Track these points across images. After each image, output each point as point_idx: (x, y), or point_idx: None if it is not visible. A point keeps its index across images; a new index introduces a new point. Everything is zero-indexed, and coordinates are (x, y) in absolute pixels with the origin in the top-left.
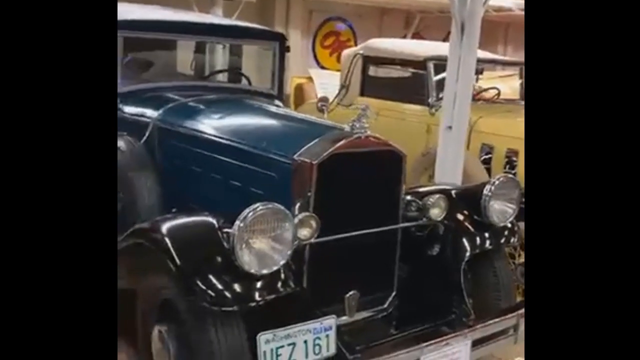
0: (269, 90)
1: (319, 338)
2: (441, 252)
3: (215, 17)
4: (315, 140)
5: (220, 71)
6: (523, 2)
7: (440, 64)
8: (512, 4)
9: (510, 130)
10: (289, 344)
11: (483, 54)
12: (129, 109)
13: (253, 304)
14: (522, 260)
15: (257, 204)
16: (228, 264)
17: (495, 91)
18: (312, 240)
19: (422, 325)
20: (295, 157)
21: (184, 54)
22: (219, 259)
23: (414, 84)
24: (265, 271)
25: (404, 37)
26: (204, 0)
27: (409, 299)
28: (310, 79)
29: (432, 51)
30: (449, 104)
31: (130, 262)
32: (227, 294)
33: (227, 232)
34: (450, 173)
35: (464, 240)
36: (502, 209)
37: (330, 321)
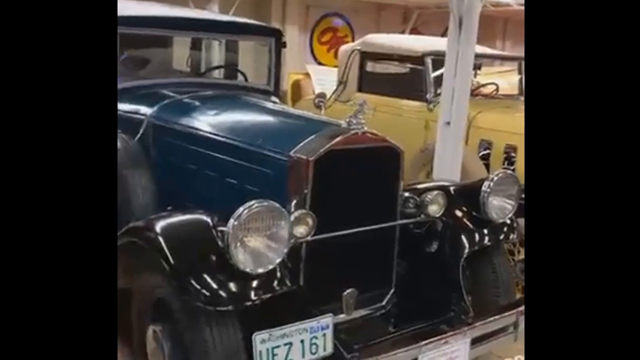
0: (265, 87)
1: (315, 337)
2: (440, 249)
3: (211, 13)
4: (312, 137)
5: (216, 67)
6: None
7: (439, 59)
8: None
9: (508, 126)
10: (286, 344)
11: (481, 49)
12: (124, 106)
13: (248, 303)
14: (522, 256)
15: (252, 202)
16: (222, 263)
17: (494, 87)
18: (309, 238)
19: (420, 323)
20: (291, 153)
21: (180, 51)
22: (214, 257)
23: (412, 80)
24: (260, 270)
25: (402, 32)
26: None
27: (408, 296)
28: (307, 75)
29: (430, 46)
30: (447, 100)
31: (124, 261)
32: (222, 294)
33: (221, 231)
34: (448, 169)
35: (463, 237)
36: (501, 205)
37: (327, 320)
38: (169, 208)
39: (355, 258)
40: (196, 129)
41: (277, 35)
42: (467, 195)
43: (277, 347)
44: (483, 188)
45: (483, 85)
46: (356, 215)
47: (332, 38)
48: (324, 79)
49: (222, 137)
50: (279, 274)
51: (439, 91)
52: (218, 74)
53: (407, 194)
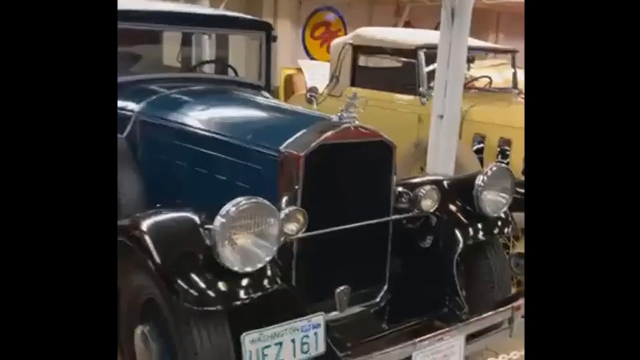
0: (256, 82)
1: (307, 336)
2: (434, 244)
3: (201, 7)
4: (302, 132)
5: (206, 62)
6: None
7: (431, 52)
8: None
9: (502, 119)
10: (276, 344)
11: (474, 42)
12: None
13: (238, 303)
14: (517, 250)
15: (240, 199)
16: (211, 262)
17: (487, 80)
18: (300, 235)
19: (415, 319)
20: (281, 149)
21: (171, 47)
22: (202, 256)
23: (405, 74)
24: (249, 269)
25: (394, 26)
26: None
27: (402, 292)
28: (300, 70)
29: (423, 40)
30: (440, 93)
31: None
32: (210, 293)
33: (208, 229)
34: (442, 163)
35: (457, 231)
36: (495, 200)
37: (319, 318)
38: (157, 206)
39: (348, 254)
40: (185, 124)
41: (267, 29)
42: (461, 190)
43: (268, 347)
44: (477, 182)
45: (476, 79)
46: (348, 211)
47: (325, 32)
48: (316, 74)
49: (212, 132)
50: (269, 273)
51: (432, 85)
52: (209, 69)
53: (400, 189)
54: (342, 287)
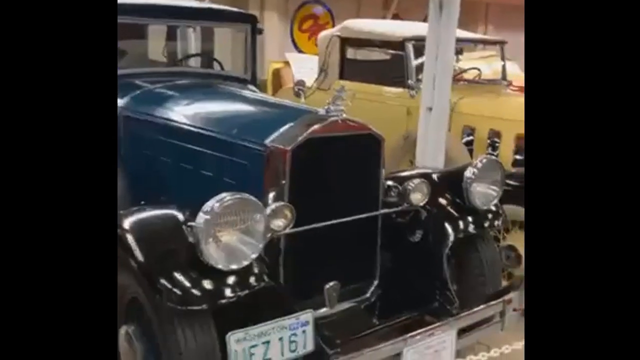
0: (242, 75)
1: (295, 334)
2: (424, 238)
3: (186, 0)
4: (289, 125)
5: (191, 55)
6: None
7: (420, 44)
8: None
9: (492, 111)
10: (263, 342)
11: (463, 34)
12: None
13: (223, 302)
14: (507, 243)
15: (224, 194)
16: (195, 260)
17: (476, 72)
18: (287, 230)
19: (405, 315)
20: (267, 143)
21: (156, 41)
22: (185, 255)
23: (394, 66)
24: (234, 266)
25: (383, 19)
26: None
27: (392, 287)
28: (287, 63)
29: (411, 31)
30: (429, 85)
31: None
32: (195, 292)
33: (191, 226)
34: (431, 156)
35: (447, 225)
36: (485, 192)
37: (307, 316)
38: (142, 203)
39: (337, 250)
40: (169, 119)
41: (252, 22)
42: (451, 183)
43: (254, 346)
44: (467, 175)
45: (465, 71)
46: (336, 205)
47: (313, 25)
48: (304, 67)
49: (197, 127)
50: (255, 270)
51: (420, 77)
52: (195, 63)
53: (389, 183)
54: (331, 283)
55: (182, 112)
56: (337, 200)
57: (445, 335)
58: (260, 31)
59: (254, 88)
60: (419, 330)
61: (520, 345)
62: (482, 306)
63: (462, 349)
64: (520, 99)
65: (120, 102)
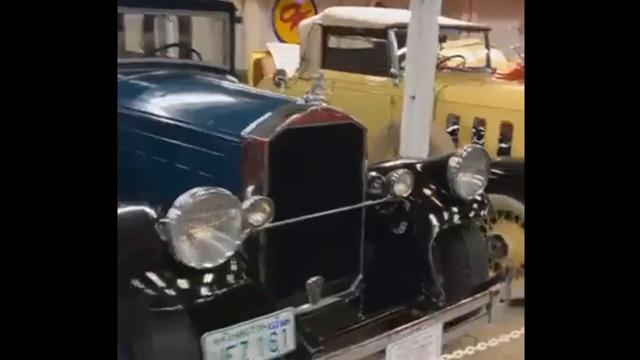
0: (221, 65)
1: (275, 334)
2: (408, 229)
3: None
4: (267, 116)
5: (168, 46)
6: None
7: (403, 32)
8: None
9: (476, 99)
10: (242, 343)
11: (446, 21)
12: None
13: (199, 301)
14: (494, 232)
15: (198, 189)
16: (167, 259)
17: (460, 60)
18: (267, 225)
19: (391, 308)
20: (244, 134)
21: (133, 33)
22: (158, 253)
23: (377, 55)
24: (208, 264)
25: (366, 6)
26: None
27: (377, 281)
28: (269, 53)
29: (394, 19)
30: (412, 72)
31: None
32: (168, 292)
33: (163, 222)
34: (416, 146)
35: (432, 216)
36: (470, 182)
37: (288, 314)
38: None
39: (320, 244)
40: (144, 112)
41: (230, 10)
42: (435, 173)
43: (232, 347)
44: (451, 164)
45: (448, 58)
46: (318, 198)
47: (295, 15)
48: (286, 57)
49: (171, 119)
50: (234, 267)
51: (404, 65)
52: (173, 54)
53: (372, 174)
54: (314, 278)
55: (157, 104)
56: (318, 192)
57: (431, 330)
58: (239, 20)
59: (232, 78)
60: (404, 325)
61: (507, 337)
62: (468, 298)
63: (449, 343)
64: (505, 87)
65: None
